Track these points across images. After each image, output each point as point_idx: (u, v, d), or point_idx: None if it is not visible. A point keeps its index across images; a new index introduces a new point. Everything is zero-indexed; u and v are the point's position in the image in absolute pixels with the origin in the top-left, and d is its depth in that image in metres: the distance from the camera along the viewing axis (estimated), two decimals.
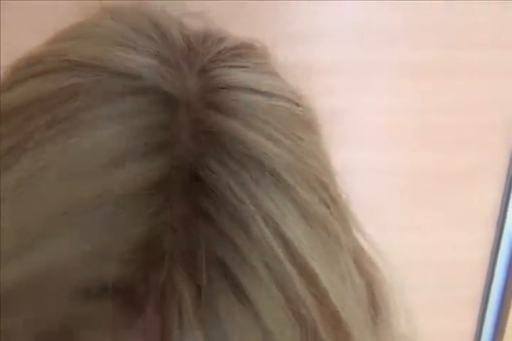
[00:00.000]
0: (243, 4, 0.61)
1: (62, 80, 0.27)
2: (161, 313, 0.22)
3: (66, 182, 0.24)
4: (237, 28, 0.63)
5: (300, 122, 0.30)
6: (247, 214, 0.24)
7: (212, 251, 0.23)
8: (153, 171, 0.24)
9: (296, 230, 0.26)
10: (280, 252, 0.25)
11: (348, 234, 0.30)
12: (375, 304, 0.33)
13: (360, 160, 0.81)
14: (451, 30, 0.73)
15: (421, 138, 0.82)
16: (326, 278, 0.26)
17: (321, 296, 0.26)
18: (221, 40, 0.31)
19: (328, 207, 0.28)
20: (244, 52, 0.31)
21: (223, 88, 0.27)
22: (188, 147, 0.25)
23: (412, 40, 0.73)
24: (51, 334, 0.22)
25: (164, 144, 0.25)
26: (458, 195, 0.89)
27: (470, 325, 1.04)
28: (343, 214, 0.30)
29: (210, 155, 0.25)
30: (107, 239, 0.23)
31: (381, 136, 0.81)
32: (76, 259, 0.22)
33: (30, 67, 0.28)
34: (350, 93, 0.75)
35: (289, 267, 0.25)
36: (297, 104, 0.31)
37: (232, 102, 0.27)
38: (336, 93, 0.74)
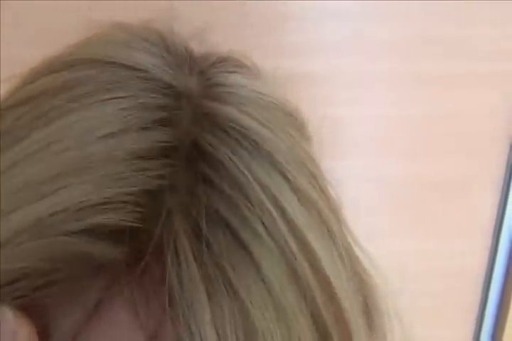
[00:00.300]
0: (247, 17, 0.63)
1: (73, 73, 0.29)
2: (160, 262, 0.24)
3: (77, 146, 0.26)
4: (240, 40, 0.64)
5: (290, 123, 0.32)
6: (246, 182, 0.26)
7: (212, 208, 0.25)
8: (158, 140, 0.27)
9: (292, 205, 0.27)
10: (278, 219, 0.26)
11: (340, 229, 0.31)
12: (367, 309, 0.33)
13: (358, 169, 0.82)
14: (448, 41, 0.74)
15: (418, 147, 0.83)
16: (322, 254, 0.28)
17: (316, 270, 0.27)
18: (217, 53, 0.33)
19: (319, 194, 0.30)
20: (237, 64, 0.33)
21: (219, 85, 0.30)
22: (189, 125, 0.27)
23: (410, 51, 0.74)
24: (53, 275, 0.24)
25: (168, 120, 0.27)
26: (455, 203, 0.89)
27: (467, 332, 1.04)
28: (334, 209, 0.32)
29: (210, 133, 0.27)
30: (113, 191, 0.25)
31: (378, 145, 0.82)
32: (80, 206, 0.24)
33: (42, 68, 0.31)
34: (348, 103, 0.76)
35: (287, 234, 0.26)
36: (288, 109, 0.33)
37: (228, 94, 0.30)
38: (335, 103, 0.75)
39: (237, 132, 0.28)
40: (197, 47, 0.33)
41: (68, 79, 0.29)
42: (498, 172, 0.88)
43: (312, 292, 0.27)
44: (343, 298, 0.28)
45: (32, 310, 0.24)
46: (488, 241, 0.95)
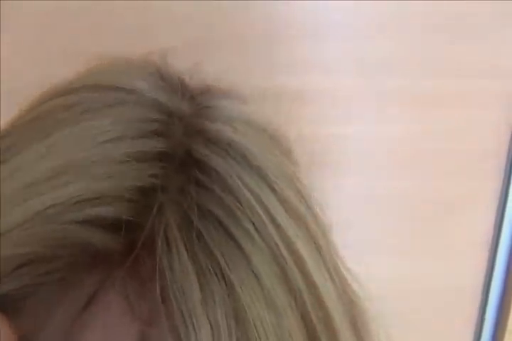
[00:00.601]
0: (248, 35, 0.64)
1: (77, 95, 0.32)
2: (152, 252, 0.25)
3: (76, 150, 0.28)
4: (239, 56, 0.63)
5: (278, 146, 0.34)
6: (237, 188, 0.27)
7: (204, 206, 0.26)
8: (153, 146, 0.28)
9: (281, 214, 0.28)
10: (268, 224, 0.27)
11: (328, 247, 0.32)
12: (357, 328, 0.33)
13: (353, 187, 0.82)
14: (444, 61, 0.76)
15: (413, 166, 0.84)
16: (311, 263, 0.28)
17: (306, 277, 0.28)
18: (207, 82, 0.36)
19: (306, 210, 0.31)
20: (226, 91, 0.36)
21: (209, 107, 0.32)
22: (182, 137, 0.29)
23: (406, 71, 0.75)
24: (54, 263, 0.25)
25: (162, 132, 0.29)
26: (450, 221, 0.88)
27: None
28: (323, 228, 0.32)
29: (201, 144, 0.29)
30: (107, 187, 0.26)
31: (373, 164, 0.82)
32: (77, 199, 0.26)
33: (49, 94, 0.33)
34: (346, 121, 0.77)
35: (277, 239, 0.27)
36: (275, 134, 0.35)
37: (217, 115, 0.32)
38: (333, 121, 0.76)
39: (227, 145, 0.29)
40: (188, 78, 0.35)
41: (72, 100, 0.32)
42: (493, 192, 0.88)
43: (302, 294, 0.27)
44: (331, 307, 0.29)
45: (28, 301, 0.25)
46: (484, 259, 0.94)
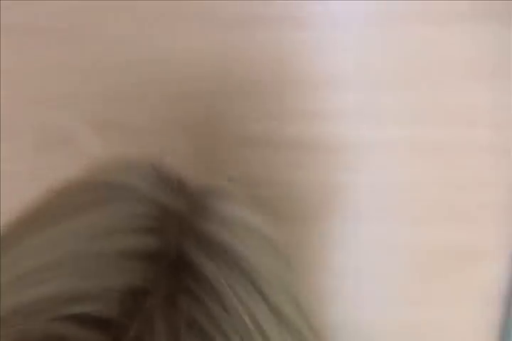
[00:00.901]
0: (258, 84, 0.65)
1: (72, 197, 0.33)
2: None
3: (65, 246, 0.28)
4: (253, 103, 0.64)
5: (275, 251, 0.33)
6: (226, 297, 0.27)
7: (192, 316, 0.26)
8: (144, 244, 0.28)
9: (270, 325, 0.28)
10: (256, 336, 0.27)
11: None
12: None
13: (366, 235, 0.82)
14: (454, 110, 0.77)
15: (427, 215, 0.84)
16: None
17: None
18: (204, 182, 0.36)
19: (299, 316, 0.31)
20: (224, 190, 0.35)
21: (205, 206, 0.32)
22: (176, 236, 0.29)
23: (414, 119, 0.76)
24: None
25: (156, 229, 0.29)
26: (464, 271, 0.88)
27: None
28: (317, 335, 0.32)
29: (194, 246, 0.29)
30: (95, 285, 0.26)
31: (387, 212, 0.82)
32: (61, 296, 0.25)
33: (47, 196, 0.34)
34: (355, 169, 0.77)
35: None
36: (270, 233, 0.34)
37: (213, 214, 0.31)
38: (341, 169, 0.76)
39: (222, 249, 0.29)
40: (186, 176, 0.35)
41: (67, 197, 0.32)
42: (508, 243, 0.87)
43: None
44: None
45: None
46: (498, 312, 0.94)
